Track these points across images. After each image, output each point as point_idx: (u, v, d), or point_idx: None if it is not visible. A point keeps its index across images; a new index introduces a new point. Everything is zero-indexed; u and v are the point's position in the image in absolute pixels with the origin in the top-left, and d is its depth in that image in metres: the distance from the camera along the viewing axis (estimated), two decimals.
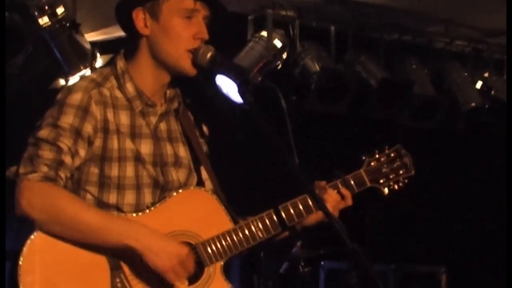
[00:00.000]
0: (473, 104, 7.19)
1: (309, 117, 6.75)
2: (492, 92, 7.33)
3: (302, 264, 5.94)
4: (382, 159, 3.35)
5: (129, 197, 3.05)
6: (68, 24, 5.52)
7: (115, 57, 3.18)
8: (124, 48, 3.20)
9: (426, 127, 7.16)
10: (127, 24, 3.13)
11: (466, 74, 7.28)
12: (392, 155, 3.37)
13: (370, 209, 6.58)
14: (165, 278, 2.97)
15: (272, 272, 6.37)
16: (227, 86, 6.06)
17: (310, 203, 3.20)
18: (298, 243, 6.09)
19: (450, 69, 7.27)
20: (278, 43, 6.41)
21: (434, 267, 7.07)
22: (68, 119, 2.98)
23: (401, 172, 3.37)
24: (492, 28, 7.10)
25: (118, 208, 3.04)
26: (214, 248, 3.07)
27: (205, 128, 3.33)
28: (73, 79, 5.54)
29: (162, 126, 3.18)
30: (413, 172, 3.38)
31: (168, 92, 3.19)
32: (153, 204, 3.08)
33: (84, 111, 3.00)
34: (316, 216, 3.24)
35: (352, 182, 3.30)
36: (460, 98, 7.21)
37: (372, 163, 3.34)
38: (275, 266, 6.29)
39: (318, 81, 6.53)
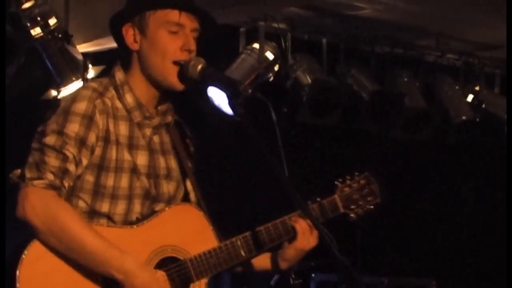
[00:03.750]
0: (464, 117, 7.21)
1: (300, 130, 6.76)
2: (483, 106, 7.35)
3: (293, 276, 5.92)
4: (354, 185, 3.42)
5: (121, 207, 3.07)
6: (60, 35, 5.51)
7: (113, 68, 3.19)
8: (120, 60, 3.21)
9: (417, 139, 7.18)
10: (120, 38, 3.16)
11: (457, 87, 7.31)
12: (361, 182, 3.44)
13: (361, 222, 6.58)
14: None
15: (263, 284, 6.37)
16: (219, 98, 6.05)
17: (289, 226, 3.24)
18: None
19: (441, 82, 7.29)
20: (270, 55, 6.42)
21: (424, 280, 7.08)
22: (74, 128, 3.00)
23: (369, 199, 3.45)
24: (484, 42, 7.12)
25: (109, 217, 3.07)
26: (201, 264, 3.10)
27: (193, 144, 3.35)
28: (65, 90, 5.53)
29: (156, 138, 3.20)
30: (379, 199, 3.46)
31: (160, 107, 3.21)
32: (142, 214, 3.10)
33: (89, 120, 3.02)
34: (295, 250, 3.26)
35: (327, 207, 3.35)
36: (451, 111, 7.22)
37: (345, 189, 3.41)
38: (266, 278, 6.29)
39: (310, 93, 6.54)
